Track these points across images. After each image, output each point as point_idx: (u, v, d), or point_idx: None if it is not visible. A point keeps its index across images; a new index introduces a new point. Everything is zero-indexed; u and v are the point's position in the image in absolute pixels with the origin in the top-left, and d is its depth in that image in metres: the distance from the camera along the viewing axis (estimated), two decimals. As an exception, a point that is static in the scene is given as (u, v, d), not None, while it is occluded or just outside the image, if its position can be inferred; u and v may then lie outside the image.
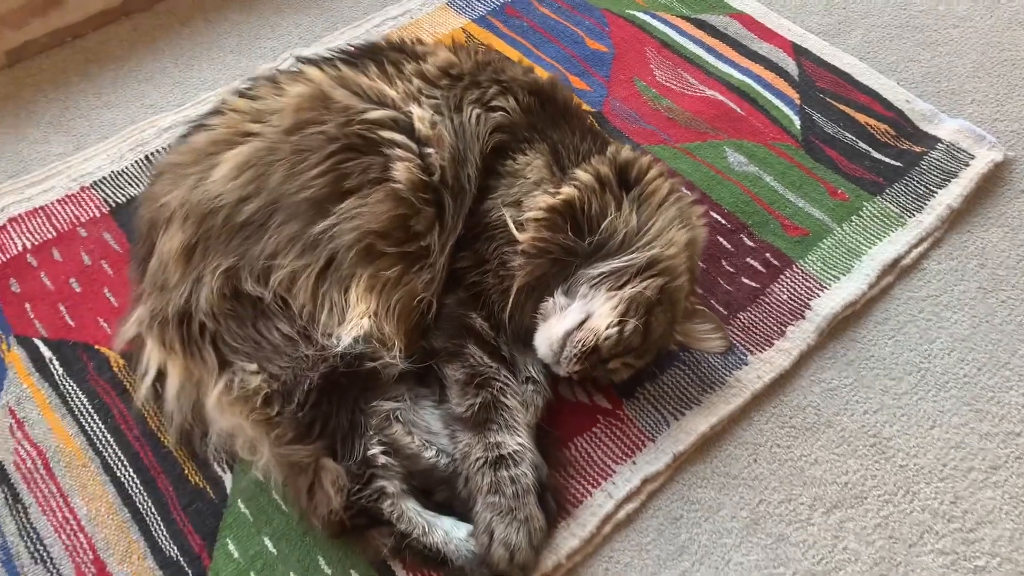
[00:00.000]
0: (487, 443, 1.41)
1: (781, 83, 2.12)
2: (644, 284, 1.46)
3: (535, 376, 1.55)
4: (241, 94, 1.60)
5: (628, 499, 1.49)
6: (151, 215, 1.53)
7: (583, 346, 1.44)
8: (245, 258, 1.44)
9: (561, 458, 1.53)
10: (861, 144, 2.00)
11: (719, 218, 1.87)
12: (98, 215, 1.82)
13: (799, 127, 2.03)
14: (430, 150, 1.52)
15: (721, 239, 1.83)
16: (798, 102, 2.08)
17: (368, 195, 1.47)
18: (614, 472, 1.51)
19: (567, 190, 1.51)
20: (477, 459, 1.40)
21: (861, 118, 2.05)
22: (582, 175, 1.53)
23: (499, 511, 1.37)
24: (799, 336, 1.68)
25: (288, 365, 1.41)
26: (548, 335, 1.47)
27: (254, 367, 1.41)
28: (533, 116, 1.63)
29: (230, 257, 1.44)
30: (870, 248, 1.81)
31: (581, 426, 1.57)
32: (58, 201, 1.83)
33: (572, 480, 1.51)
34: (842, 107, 2.07)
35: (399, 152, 1.49)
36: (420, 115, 1.54)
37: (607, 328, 1.44)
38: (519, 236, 1.49)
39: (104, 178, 1.87)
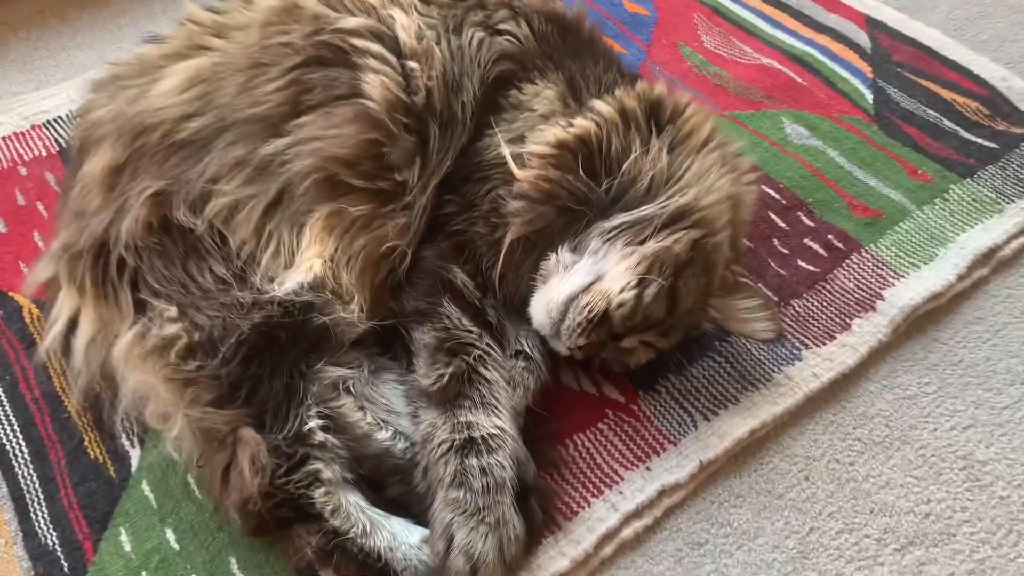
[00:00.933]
0: (455, 423, 1.10)
1: (851, 55, 1.82)
2: (672, 238, 1.14)
3: (528, 351, 1.24)
4: (210, 8, 1.35)
5: (638, 514, 1.15)
6: (82, 134, 1.27)
7: (590, 313, 1.12)
8: (180, 181, 1.17)
9: (555, 456, 1.20)
10: (947, 122, 1.68)
11: (773, 193, 1.55)
12: (44, 155, 1.58)
13: (871, 101, 1.72)
14: (414, 65, 1.24)
15: (774, 216, 1.51)
16: (870, 75, 1.77)
17: (333, 113, 1.19)
18: (621, 479, 1.18)
19: (582, 122, 1.21)
20: (441, 443, 1.09)
21: (947, 94, 1.73)
22: (603, 107, 1.23)
23: (462, 510, 1.05)
24: (868, 330, 1.34)
25: (217, 314, 1.12)
26: (547, 299, 1.16)
27: (173, 312, 1.12)
28: (549, 46, 1.34)
29: (162, 179, 1.18)
30: (959, 235, 1.47)
31: (584, 420, 1.24)
32: (3, 138, 1.59)
33: (567, 484, 1.18)
34: (924, 82, 1.76)
35: (373, 63, 1.21)
36: (404, 23, 1.26)
37: (622, 291, 1.13)
38: (518, 173, 1.19)
39: (59, 118, 1.64)
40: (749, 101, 1.72)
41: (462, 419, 1.10)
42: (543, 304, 1.17)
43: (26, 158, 1.57)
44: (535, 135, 1.23)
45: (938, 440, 1.25)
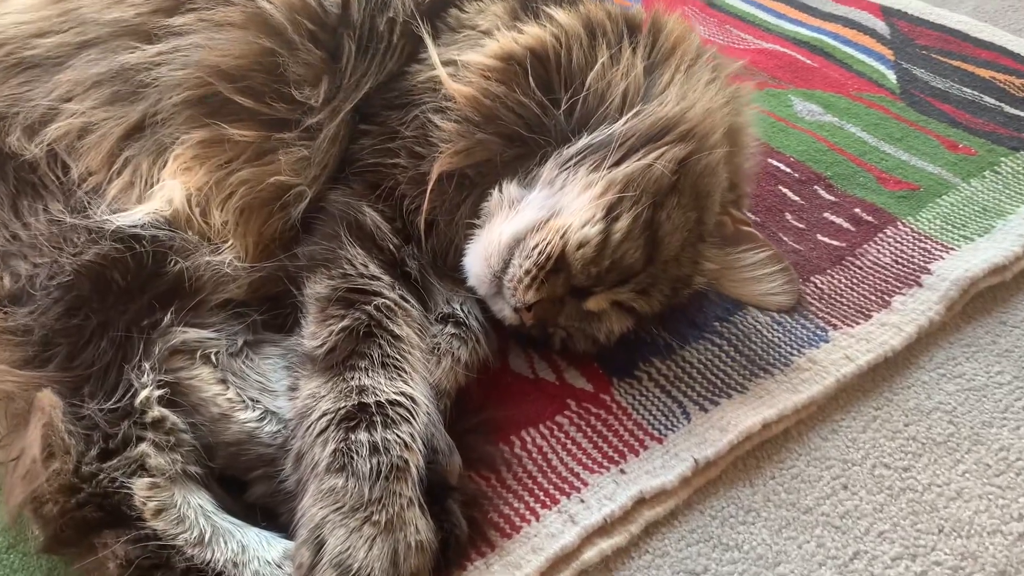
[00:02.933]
0: (344, 388, 0.78)
1: (866, 39, 1.58)
2: (653, 155, 0.86)
3: (459, 315, 0.93)
4: None
5: (606, 530, 0.81)
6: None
7: (540, 256, 0.84)
8: (20, 102, 0.92)
9: (492, 454, 0.87)
10: (988, 99, 1.41)
11: (782, 166, 1.27)
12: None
13: (895, 81, 1.47)
14: None
15: (786, 190, 1.23)
16: (891, 58, 1.53)
17: (217, 12, 0.94)
18: (585, 484, 0.85)
19: (535, 30, 0.95)
20: (322, 415, 0.77)
21: (985, 73, 1.47)
22: (562, 16, 0.97)
23: (340, 504, 0.72)
24: (914, 307, 1.03)
25: (43, 260, 0.84)
26: (486, 243, 0.88)
27: (-13, 256, 0.84)
28: None
29: None
30: (1020, 207, 1.18)
31: (538, 412, 0.92)
32: None
33: (509, 492, 0.85)
34: (955, 63, 1.50)
35: None
36: None
37: (583, 225, 0.84)
38: (452, 86, 0.92)
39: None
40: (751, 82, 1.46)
41: (354, 383, 0.78)
42: (481, 251, 0.88)
43: None
44: (474, 52, 0.97)
45: (1023, 440, 0.91)
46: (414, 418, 0.78)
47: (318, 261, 0.89)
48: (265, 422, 0.82)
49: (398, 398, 0.78)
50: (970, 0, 1.76)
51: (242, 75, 0.93)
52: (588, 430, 0.90)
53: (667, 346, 0.99)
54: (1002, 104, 1.40)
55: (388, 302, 0.85)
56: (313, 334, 0.83)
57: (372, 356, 0.80)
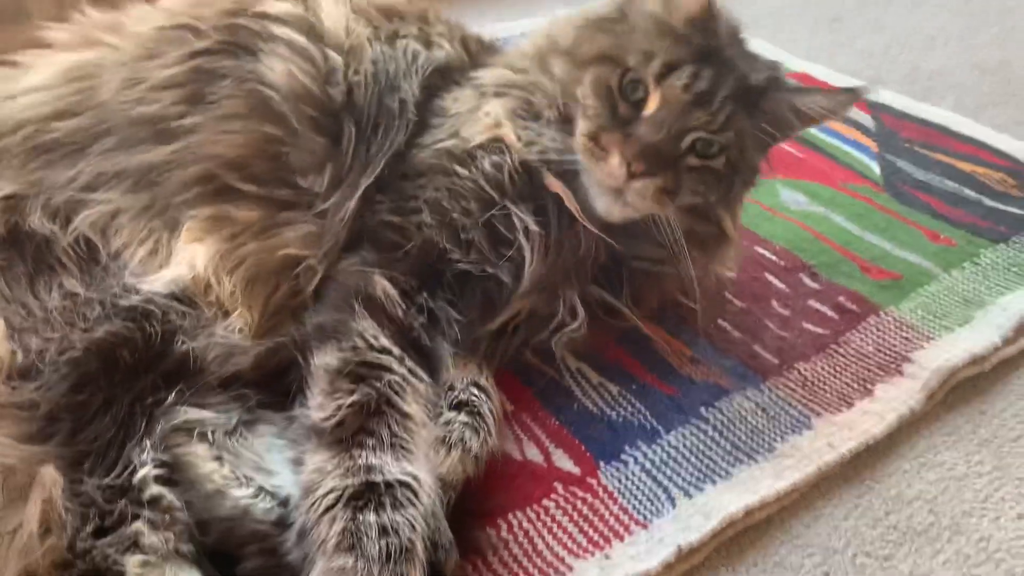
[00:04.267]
0: (351, 466, 0.80)
1: (853, 132, 1.65)
2: None
3: (474, 402, 0.97)
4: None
5: (590, 616, 0.82)
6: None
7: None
8: (42, 186, 0.97)
9: (481, 538, 0.89)
10: (968, 191, 1.47)
11: (768, 254, 1.31)
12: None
13: (879, 173, 1.53)
14: (336, 57, 1.05)
15: (771, 277, 1.27)
16: (876, 150, 1.59)
17: (223, 105, 1.00)
18: (569, 569, 0.86)
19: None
20: (328, 492, 0.79)
21: (965, 166, 1.53)
22: None
23: (352, 586, 0.73)
24: (895, 396, 1.06)
25: (55, 334, 0.87)
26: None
27: (1, 328, 0.87)
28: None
29: (18, 183, 0.97)
30: (998, 298, 1.22)
31: (525, 495, 0.94)
32: None
33: None
34: (938, 156, 1.57)
35: (283, 50, 1.03)
36: (332, 13, 1.10)
37: None
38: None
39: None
40: (739, 171, 1.52)
41: (361, 461, 0.80)
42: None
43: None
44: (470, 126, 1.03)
45: (1003, 531, 0.92)
46: (419, 499, 0.79)
47: (328, 333, 0.91)
48: (259, 499, 0.83)
49: (405, 479, 0.79)
50: (952, 95, 1.83)
51: (245, 163, 0.98)
52: (574, 514, 0.92)
53: (653, 431, 1.01)
54: (982, 197, 1.45)
55: (398, 378, 0.87)
56: (321, 406, 0.85)
57: (380, 435, 0.82)
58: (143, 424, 0.84)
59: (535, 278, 0.99)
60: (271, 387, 0.95)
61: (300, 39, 1.05)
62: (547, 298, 1.02)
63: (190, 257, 0.93)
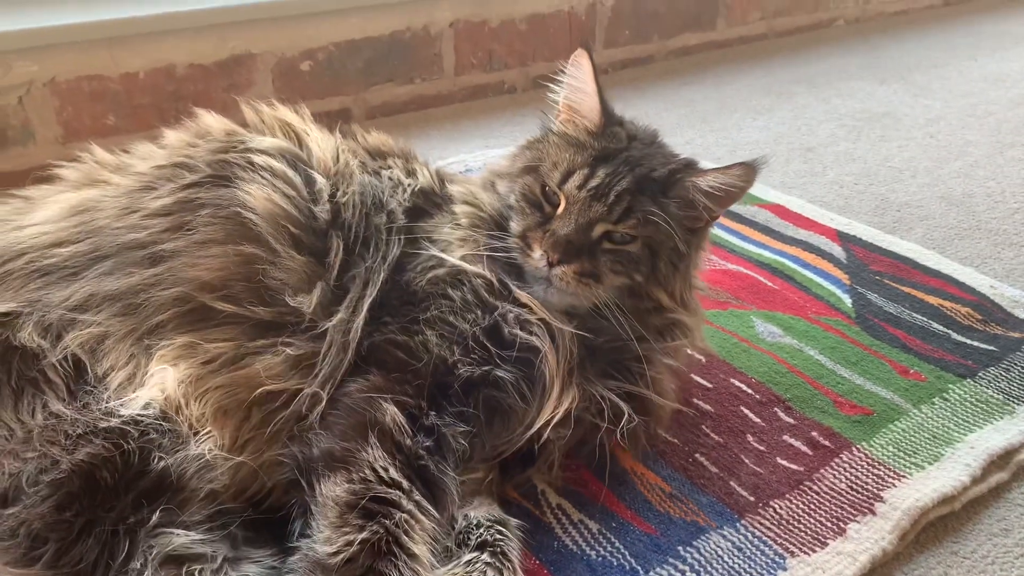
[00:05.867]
0: None
1: (825, 264, 1.71)
2: None
3: (499, 544, 0.99)
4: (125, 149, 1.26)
5: None
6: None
7: None
8: (36, 305, 1.01)
9: None
10: (936, 326, 1.52)
11: (744, 387, 1.35)
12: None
13: (851, 305, 1.58)
14: (322, 180, 1.12)
15: (747, 411, 1.30)
16: (848, 282, 1.65)
17: (199, 230, 1.05)
18: None
19: None
20: None
21: (933, 300, 1.59)
22: None
23: None
24: (869, 536, 1.08)
25: (34, 455, 0.89)
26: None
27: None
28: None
29: (17, 300, 1.01)
30: (967, 435, 1.25)
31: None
32: None
33: None
34: (906, 289, 1.63)
35: (263, 176, 1.09)
36: (319, 138, 1.17)
37: None
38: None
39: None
40: (715, 301, 1.58)
41: None
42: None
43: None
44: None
45: None
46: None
47: (336, 461, 0.94)
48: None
49: None
50: (919, 228, 1.91)
51: (223, 284, 1.03)
52: (552, 658, 0.92)
53: (632, 571, 1.03)
54: (949, 331, 1.51)
55: (406, 515, 0.90)
56: (328, 539, 0.87)
57: None
58: (126, 544, 0.85)
59: (555, 363, 1.06)
60: (253, 521, 0.97)
61: (280, 165, 1.12)
62: (580, 394, 1.07)
63: (160, 380, 0.96)
